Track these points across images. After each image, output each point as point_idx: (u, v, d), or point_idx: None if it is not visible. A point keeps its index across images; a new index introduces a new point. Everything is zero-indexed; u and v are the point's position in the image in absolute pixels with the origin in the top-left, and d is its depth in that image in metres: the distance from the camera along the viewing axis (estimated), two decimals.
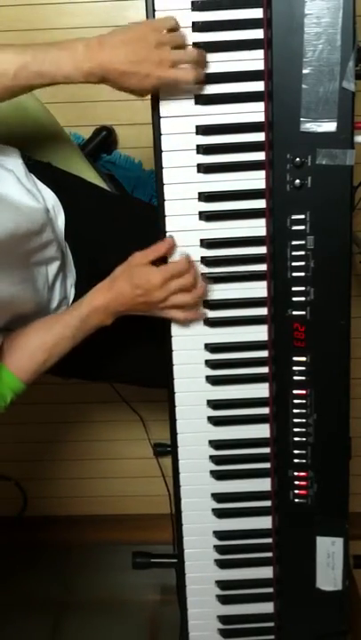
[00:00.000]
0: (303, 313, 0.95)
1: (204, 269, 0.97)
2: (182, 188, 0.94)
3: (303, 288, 0.94)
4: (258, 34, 0.90)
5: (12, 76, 0.85)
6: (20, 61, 0.85)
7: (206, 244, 0.96)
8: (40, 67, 0.85)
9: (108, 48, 0.84)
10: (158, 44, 0.84)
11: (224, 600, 1.08)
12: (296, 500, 1.01)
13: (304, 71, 0.88)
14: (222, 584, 1.07)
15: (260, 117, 0.92)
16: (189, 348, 0.99)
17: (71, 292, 1.12)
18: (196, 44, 0.89)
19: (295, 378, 0.97)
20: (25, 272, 0.98)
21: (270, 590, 1.07)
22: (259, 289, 0.97)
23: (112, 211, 1.20)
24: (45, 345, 0.97)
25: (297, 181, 0.91)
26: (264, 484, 1.03)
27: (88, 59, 0.84)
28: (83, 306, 0.97)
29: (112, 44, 0.84)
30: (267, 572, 1.06)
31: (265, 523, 1.05)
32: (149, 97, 0.91)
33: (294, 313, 0.95)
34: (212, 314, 0.98)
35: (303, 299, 0.95)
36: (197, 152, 0.93)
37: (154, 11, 0.89)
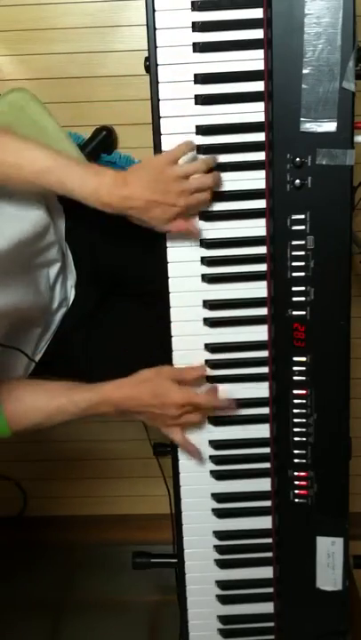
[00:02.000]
0: (303, 313, 0.95)
1: (204, 269, 0.97)
2: None
3: (303, 288, 0.94)
4: (258, 34, 0.90)
5: (33, 173, 0.87)
6: (48, 165, 0.87)
7: (206, 244, 0.96)
8: (63, 178, 0.87)
9: (132, 184, 0.87)
10: (176, 178, 0.88)
11: (224, 600, 1.08)
12: (296, 500, 1.01)
13: (304, 71, 0.88)
14: (222, 584, 1.07)
15: (260, 117, 0.92)
16: (189, 348, 0.99)
17: (71, 293, 1.12)
18: (196, 44, 0.89)
19: (295, 378, 0.97)
20: (27, 276, 0.98)
21: (270, 590, 1.07)
22: (259, 289, 0.97)
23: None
24: (45, 409, 0.96)
25: (297, 181, 0.91)
26: (264, 484, 1.03)
27: (110, 193, 0.87)
28: (95, 392, 0.96)
29: (135, 180, 0.88)
30: (267, 572, 1.06)
31: (265, 523, 1.05)
32: (149, 97, 0.91)
33: (294, 313, 0.95)
34: (212, 314, 0.98)
35: (303, 299, 0.95)
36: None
37: (154, 11, 0.89)
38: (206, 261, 0.96)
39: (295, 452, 1.00)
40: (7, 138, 0.89)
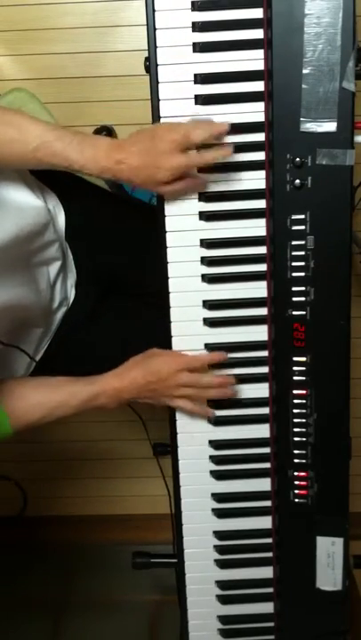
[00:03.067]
0: (303, 313, 0.95)
1: (204, 269, 0.97)
2: None
3: (303, 288, 0.94)
4: (258, 34, 0.90)
5: (32, 148, 0.87)
6: (45, 137, 0.87)
7: (206, 244, 0.96)
8: (62, 149, 0.87)
9: (126, 149, 0.88)
10: (172, 142, 0.86)
11: (224, 600, 1.08)
12: (296, 500, 1.01)
13: (304, 71, 0.88)
14: (222, 584, 1.07)
15: (260, 117, 0.92)
16: (189, 348, 0.99)
17: (72, 293, 1.12)
18: (196, 44, 0.89)
19: (295, 378, 0.97)
20: (27, 273, 0.98)
21: (270, 590, 1.07)
22: (259, 289, 0.97)
23: (112, 211, 1.21)
24: (47, 405, 0.97)
25: (297, 181, 0.91)
26: (264, 484, 1.03)
27: (107, 156, 0.87)
28: (95, 384, 0.98)
29: (130, 144, 0.88)
30: (267, 572, 1.06)
31: (265, 523, 1.05)
32: (149, 97, 0.91)
33: (294, 313, 0.95)
34: (212, 314, 0.98)
35: (303, 299, 0.95)
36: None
37: (154, 11, 0.89)
38: (206, 261, 0.96)
39: (295, 452, 1.00)
40: (11, 113, 0.89)
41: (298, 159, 0.90)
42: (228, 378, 0.97)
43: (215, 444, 1.03)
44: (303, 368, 0.97)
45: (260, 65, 0.90)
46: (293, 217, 0.92)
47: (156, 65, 0.91)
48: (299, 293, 0.95)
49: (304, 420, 0.98)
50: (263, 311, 0.98)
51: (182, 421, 1.02)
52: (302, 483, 1.00)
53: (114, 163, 0.87)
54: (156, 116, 0.92)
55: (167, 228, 0.95)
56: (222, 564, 1.07)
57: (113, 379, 0.98)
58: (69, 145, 0.87)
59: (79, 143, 0.88)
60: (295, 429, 0.99)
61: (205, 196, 0.94)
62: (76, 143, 0.87)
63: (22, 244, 0.94)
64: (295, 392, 0.98)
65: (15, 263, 0.94)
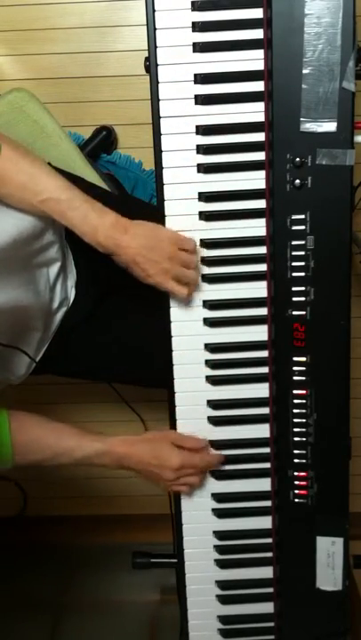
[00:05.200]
0: (303, 313, 0.95)
1: (204, 270, 0.97)
2: (182, 188, 0.94)
3: (303, 288, 0.94)
4: (258, 34, 0.90)
5: (40, 200, 0.90)
6: (55, 194, 0.89)
7: (206, 244, 0.96)
8: (68, 211, 0.90)
9: (131, 235, 0.91)
10: (171, 257, 0.92)
11: (224, 600, 1.08)
12: (296, 500, 1.01)
13: (304, 71, 0.88)
14: (222, 584, 1.07)
15: (260, 117, 0.92)
16: (189, 348, 0.99)
17: (72, 293, 1.12)
18: (196, 44, 0.89)
19: (295, 378, 0.97)
20: (27, 275, 0.98)
21: (270, 590, 1.07)
22: (259, 289, 0.97)
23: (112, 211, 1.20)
24: (54, 449, 0.98)
25: (297, 181, 0.91)
26: (264, 484, 1.03)
27: (108, 235, 0.90)
28: (102, 443, 0.99)
29: (135, 233, 0.91)
30: (267, 572, 1.06)
31: (265, 523, 1.05)
32: (149, 97, 0.91)
33: (294, 313, 0.95)
34: (212, 314, 0.98)
35: (303, 299, 0.95)
36: (197, 152, 0.93)
37: (154, 11, 0.89)
38: (206, 261, 0.96)
39: (295, 452, 1.00)
40: (21, 157, 0.91)
41: (298, 159, 0.90)
42: (220, 457, 1.02)
43: (215, 444, 1.03)
44: (303, 368, 0.97)
45: (260, 65, 0.90)
46: (293, 217, 0.92)
47: (156, 65, 0.91)
48: (299, 293, 0.95)
49: (304, 420, 0.98)
50: (263, 311, 0.98)
51: (182, 422, 1.02)
52: (302, 483, 1.00)
53: (113, 245, 0.90)
54: (156, 116, 0.92)
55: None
56: (222, 564, 1.07)
57: (122, 445, 0.99)
58: (76, 210, 0.90)
59: (86, 211, 0.90)
60: (295, 429, 0.99)
61: (205, 196, 0.94)
62: (83, 210, 0.90)
63: (22, 246, 0.94)
64: (295, 392, 0.98)
65: (15, 265, 0.94)
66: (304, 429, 0.99)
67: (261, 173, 0.93)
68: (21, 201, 0.91)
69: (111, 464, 1.01)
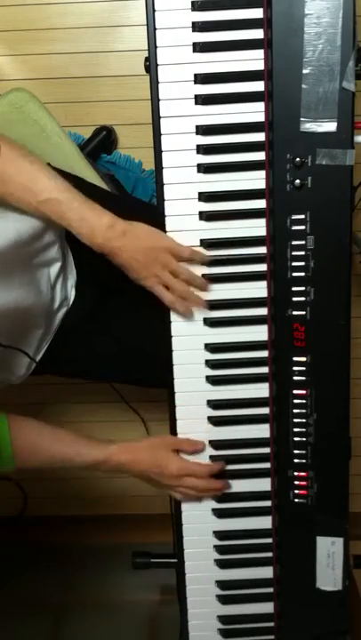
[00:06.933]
0: (303, 313, 0.95)
1: (204, 270, 0.97)
2: (182, 188, 0.94)
3: (303, 288, 0.94)
4: (258, 34, 0.90)
5: (39, 200, 0.90)
6: (54, 195, 0.90)
7: (206, 244, 0.96)
8: (66, 211, 0.90)
9: (127, 238, 0.91)
10: (162, 263, 0.93)
11: (224, 600, 1.08)
12: (296, 500, 1.01)
13: (304, 71, 0.88)
14: (222, 584, 1.07)
15: (260, 117, 0.92)
16: (189, 347, 0.99)
17: (72, 293, 1.12)
18: (196, 44, 0.89)
19: (295, 378, 0.97)
20: (27, 275, 0.98)
21: (270, 590, 1.07)
22: (259, 289, 0.97)
23: (112, 211, 1.20)
24: (55, 455, 0.99)
25: (297, 181, 0.91)
26: (264, 484, 1.03)
27: (105, 237, 0.91)
28: (102, 450, 1.00)
29: (131, 236, 0.91)
30: (267, 572, 1.06)
31: (265, 523, 1.05)
32: (149, 97, 0.91)
33: (294, 313, 0.95)
34: (212, 314, 0.98)
35: (303, 299, 0.95)
36: (197, 152, 0.93)
37: (154, 11, 0.89)
38: (206, 261, 0.96)
39: (295, 451, 1.00)
40: (21, 157, 0.91)
41: (298, 159, 0.90)
42: (225, 484, 1.02)
43: (215, 444, 1.03)
44: (303, 368, 0.97)
45: (260, 65, 0.90)
46: (293, 217, 0.92)
47: (156, 65, 0.91)
48: (299, 293, 0.95)
49: (304, 420, 0.98)
50: (263, 311, 0.98)
51: (182, 422, 1.02)
52: (302, 483, 1.00)
53: (108, 246, 0.91)
54: (156, 116, 0.92)
55: (167, 228, 0.95)
56: (222, 564, 1.07)
57: (121, 452, 1.00)
58: (74, 211, 0.90)
59: (84, 212, 0.90)
60: (295, 429, 0.99)
61: (205, 196, 0.94)
62: (80, 211, 0.90)
63: (22, 246, 0.94)
64: (295, 392, 0.98)
65: (15, 265, 0.94)
66: (304, 429, 0.99)
67: (261, 173, 0.93)
68: (21, 201, 0.91)
69: (110, 470, 1.02)
